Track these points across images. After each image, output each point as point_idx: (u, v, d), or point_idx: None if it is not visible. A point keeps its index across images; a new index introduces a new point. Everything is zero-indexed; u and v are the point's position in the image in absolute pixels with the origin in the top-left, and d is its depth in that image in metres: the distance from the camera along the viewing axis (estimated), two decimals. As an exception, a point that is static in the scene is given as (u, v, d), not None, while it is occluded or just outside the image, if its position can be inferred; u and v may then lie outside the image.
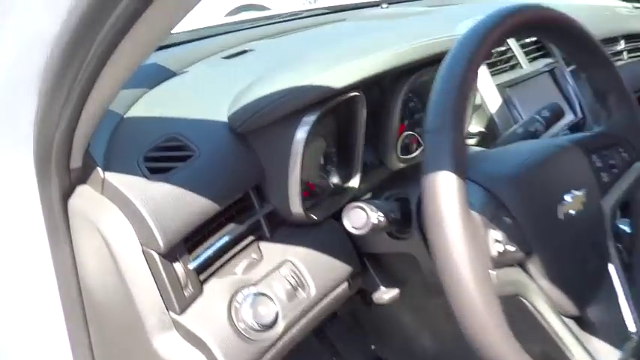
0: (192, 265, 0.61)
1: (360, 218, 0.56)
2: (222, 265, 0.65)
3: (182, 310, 0.58)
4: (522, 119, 0.97)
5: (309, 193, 0.76)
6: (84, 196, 0.60)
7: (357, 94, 0.69)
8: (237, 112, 0.67)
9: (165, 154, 0.63)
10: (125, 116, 0.71)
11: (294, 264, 0.68)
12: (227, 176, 0.64)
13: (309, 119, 0.62)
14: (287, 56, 0.87)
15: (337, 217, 0.77)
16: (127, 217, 0.57)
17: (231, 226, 0.66)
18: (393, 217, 0.60)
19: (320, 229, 0.73)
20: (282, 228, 0.72)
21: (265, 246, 0.69)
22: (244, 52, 0.98)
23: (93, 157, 0.60)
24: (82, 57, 0.44)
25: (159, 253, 0.57)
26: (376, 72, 0.64)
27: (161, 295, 0.58)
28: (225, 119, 0.70)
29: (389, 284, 0.77)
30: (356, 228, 0.57)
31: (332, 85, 0.61)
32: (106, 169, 0.60)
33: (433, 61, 0.71)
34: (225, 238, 0.65)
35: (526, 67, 1.02)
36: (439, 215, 0.44)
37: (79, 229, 0.60)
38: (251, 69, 0.89)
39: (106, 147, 0.63)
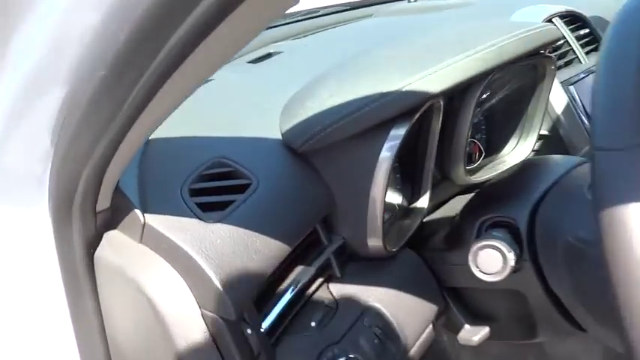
0: (263, 326, 0.47)
1: (495, 261, 0.44)
2: (293, 318, 0.52)
3: (257, 388, 0.45)
4: (588, 119, 0.87)
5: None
6: (116, 246, 0.46)
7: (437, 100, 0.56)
8: (298, 128, 0.54)
9: (214, 184, 0.50)
10: (150, 138, 0.57)
11: (377, 310, 0.55)
12: (295, 208, 0.51)
13: (399, 132, 0.50)
14: (330, 58, 0.74)
15: (410, 244, 0.65)
16: (179, 274, 0.44)
17: (298, 269, 0.53)
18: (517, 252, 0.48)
19: (395, 262, 0.61)
20: (351, 264, 0.59)
21: (337, 289, 0.56)
22: (270, 55, 0.85)
23: (126, 195, 0.46)
24: (136, 77, 0.30)
25: (225, 319, 0.43)
26: (482, 70, 0.52)
27: (229, 372, 0.44)
28: (276, 136, 0.57)
29: (474, 322, 0.65)
30: (490, 274, 0.45)
31: (429, 89, 0.48)
32: (144, 209, 0.46)
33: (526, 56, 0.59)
34: (294, 286, 0.51)
35: (584, 62, 0.92)
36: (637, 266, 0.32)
37: (111, 287, 0.47)
38: (288, 74, 0.76)
39: (137, 180, 0.49)
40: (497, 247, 0.44)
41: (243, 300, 0.44)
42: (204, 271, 0.42)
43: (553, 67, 0.72)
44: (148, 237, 0.45)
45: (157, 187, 0.48)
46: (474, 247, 0.45)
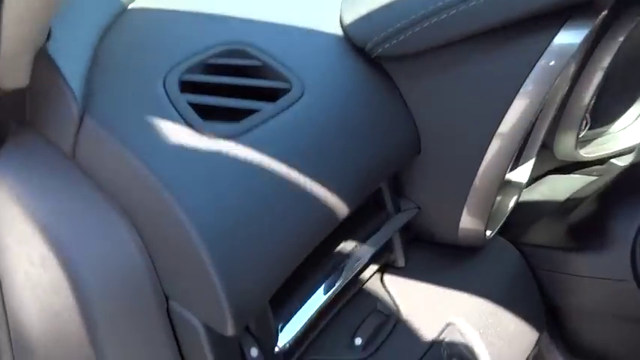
0: (280, 343, 0.26)
1: None
2: (325, 330, 0.30)
3: None
4: None
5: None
6: (25, 158, 0.25)
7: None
8: (372, 19, 0.31)
9: (225, 80, 0.28)
10: (132, 10, 0.35)
11: (462, 331, 0.34)
12: (362, 144, 0.29)
13: (571, 39, 0.27)
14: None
15: (504, 232, 0.44)
16: (138, 231, 0.22)
17: (342, 249, 0.31)
18: None
19: (486, 256, 0.39)
20: (417, 250, 0.38)
21: (398, 286, 0.35)
22: None
23: (58, 68, 0.24)
24: None
25: (212, 330, 0.22)
26: None
27: None
28: (332, 28, 0.35)
29: (570, 353, 0.45)
30: None
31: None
32: (87, 97, 0.24)
33: None
34: (335, 279, 0.30)
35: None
36: None
37: (8, 228, 0.25)
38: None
39: (90, 54, 0.27)
40: None
41: (253, 306, 0.22)
42: (191, 237, 0.21)
43: None
44: (85, 148, 0.24)
45: (123, 68, 0.27)
46: None
